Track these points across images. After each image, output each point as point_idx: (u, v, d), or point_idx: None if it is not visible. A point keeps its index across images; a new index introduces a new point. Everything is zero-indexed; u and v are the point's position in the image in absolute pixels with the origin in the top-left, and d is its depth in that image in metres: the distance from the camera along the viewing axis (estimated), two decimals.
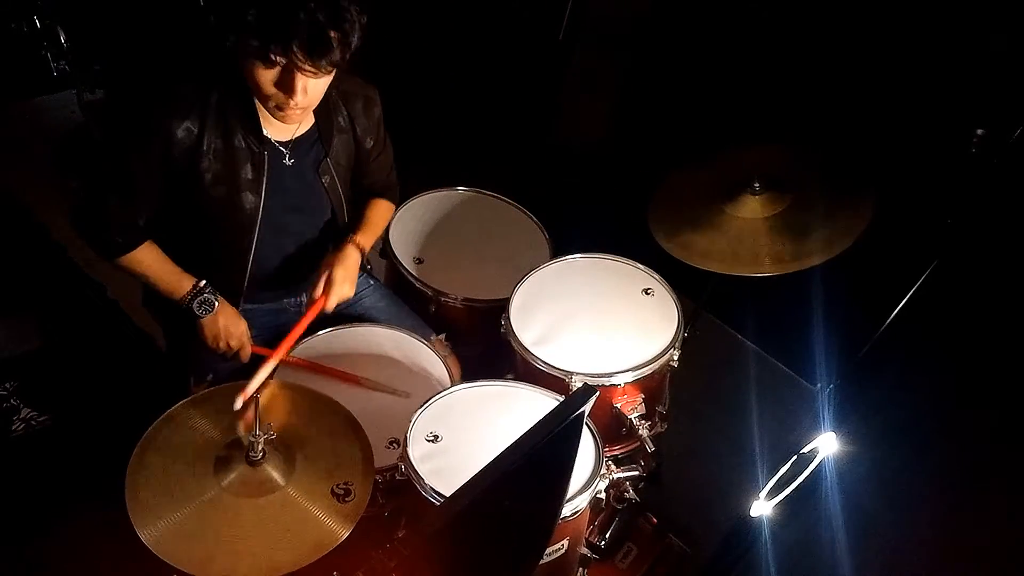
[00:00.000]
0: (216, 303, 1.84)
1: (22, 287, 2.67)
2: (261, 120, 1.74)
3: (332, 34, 1.52)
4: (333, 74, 1.63)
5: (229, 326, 1.87)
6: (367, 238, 2.00)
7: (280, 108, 1.65)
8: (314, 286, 1.89)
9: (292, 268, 1.96)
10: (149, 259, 1.83)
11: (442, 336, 2.06)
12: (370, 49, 1.89)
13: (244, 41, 1.55)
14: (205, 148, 1.70)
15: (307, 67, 1.55)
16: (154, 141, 1.68)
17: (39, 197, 3.08)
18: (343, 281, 1.87)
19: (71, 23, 3.12)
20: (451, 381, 1.91)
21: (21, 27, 3.20)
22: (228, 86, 1.70)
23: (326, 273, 1.87)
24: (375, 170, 2.04)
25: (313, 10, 1.49)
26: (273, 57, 1.53)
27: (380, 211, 2.10)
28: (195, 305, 1.83)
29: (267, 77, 1.59)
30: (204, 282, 1.84)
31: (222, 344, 1.87)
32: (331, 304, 1.87)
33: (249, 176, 1.77)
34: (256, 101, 1.71)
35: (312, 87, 1.61)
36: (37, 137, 3.37)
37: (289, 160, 1.81)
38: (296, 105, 1.62)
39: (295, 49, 1.51)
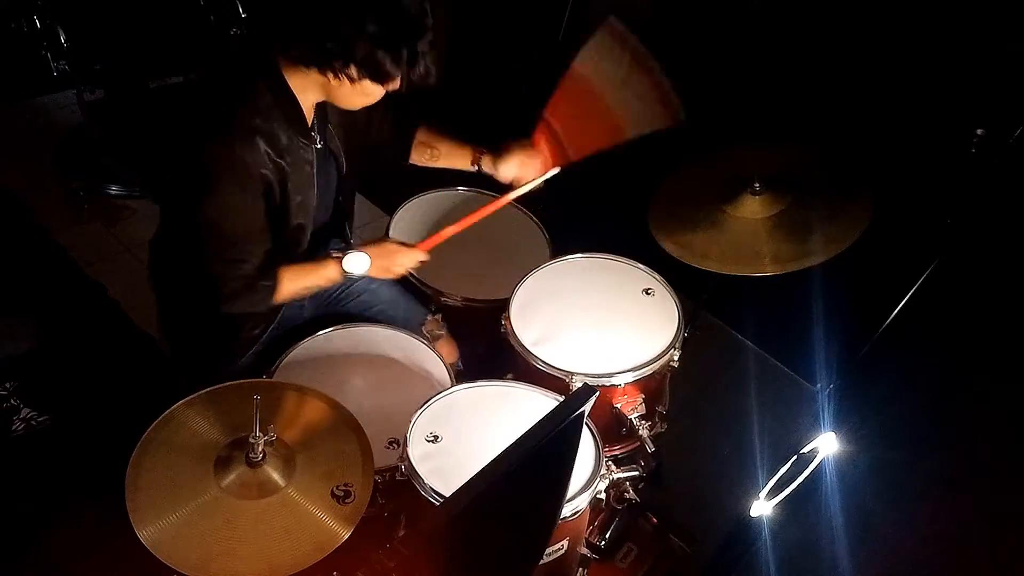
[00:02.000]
0: (362, 253, 1.82)
1: (22, 287, 2.67)
2: (304, 117, 1.75)
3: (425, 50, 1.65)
4: None
5: (387, 257, 1.87)
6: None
7: (369, 104, 1.70)
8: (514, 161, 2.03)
9: (303, 258, 1.97)
10: (293, 279, 1.81)
11: (438, 316, 2.05)
12: None
13: (362, 64, 1.59)
14: (283, 166, 1.70)
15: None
16: (256, 185, 1.67)
17: (39, 197, 3.08)
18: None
19: (71, 23, 3.12)
20: (444, 364, 1.92)
21: (21, 27, 3.20)
22: (271, 94, 1.67)
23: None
24: (381, 124, 2.06)
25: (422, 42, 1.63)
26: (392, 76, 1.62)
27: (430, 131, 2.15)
28: (350, 269, 1.82)
29: (376, 90, 1.66)
30: (333, 252, 1.84)
31: (402, 271, 1.90)
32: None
33: (308, 173, 1.79)
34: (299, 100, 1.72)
35: None
36: (37, 137, 3.37)
37: (320, 142, 1.83)
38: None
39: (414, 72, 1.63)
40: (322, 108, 1.83)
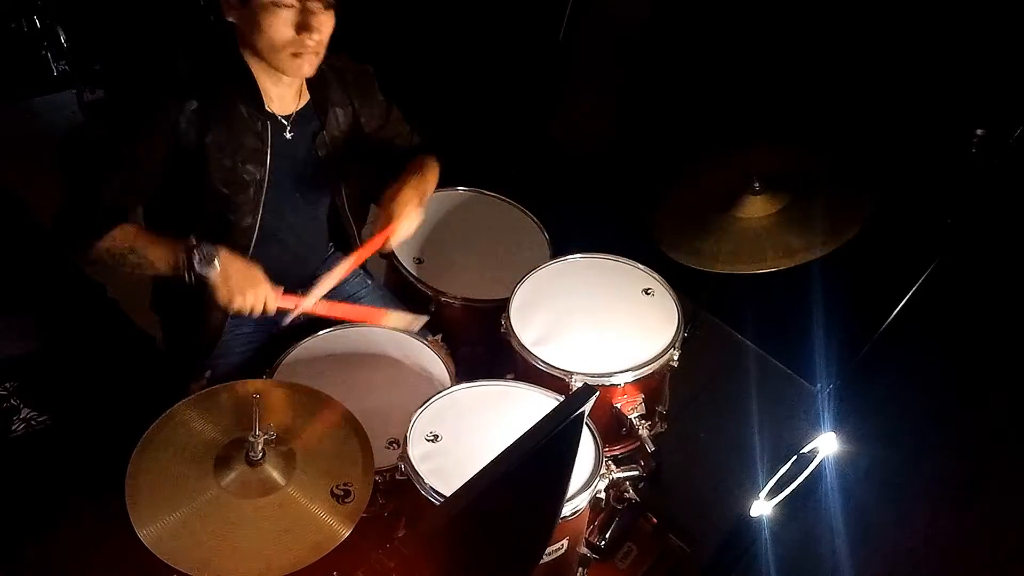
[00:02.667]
0: (216, 253, 1.67)
1: (22, 287, 2.67)
2: (262, 94, 1.76)
3: None
4: (333, 14, 1.69)
5: (241, 278, 1.70)
6: (424, 181, 1.93)
7: (298, 54, 1.68)
8: (376, 219, 1.85)
9: (290, 264, 1.96)
10: (133, 234, 1.72)
11: (438, 337, 2.06)
12: (371, 49, 1.89)
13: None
14: (211, 122, 1.71)
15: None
16: (162, 125, 1.68)
17: (39, 197, 3.07)
18: (409, 212, 1.83)
19: (71, 23, 3.12)
20: (449, 378, 1.92)
21: (21, 27, 3.20)
22: (226, 64, 1.73)
23: (389, 204, 1.83)
24: (393, 136, 2.05)
25: None
26: None
27: (427, 162, 2.01)
28: (196, 264, 1.65)
29: (282, 22, 1.64)
30: (194, 238, 1.68)
31: (245, 301, 1.69)
32: (396, 240, 1.83)
33: (253, 146, 1.77)
34: (255, 74, 1.74)
35: (323, 25, 1.67)
36: (37, 137, 3.36)
37: (289, 133, 1.82)
38: (314, 44, 1.67)
39: None
40: (320, 107, 1.85)
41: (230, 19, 1.68)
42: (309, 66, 1.72)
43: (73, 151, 3.29)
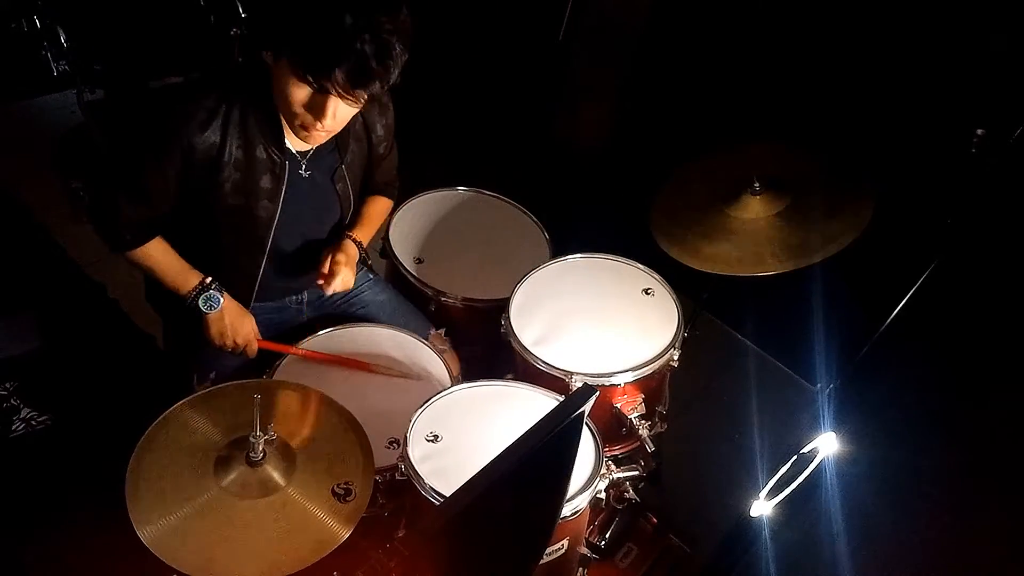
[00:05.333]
0: (222, 299, 1.84)
1: (22, 287, 2.67)
2: (284, 131, 1.74)
3: (375, 67, 1.52)
4: (363, 103, 1.63)
5: (235, 323, 1.87)
6: (364, 233, 2.01)
7: (305, 129, 1.65)
8: (318, 274, 1.90)
9: (299, 270, 1.96)
10: (158, 254, 1.83)
11: (441, 331, 2.06)
12: None
13: (282, 58, 1.56)
14: (226, 159, 1.69)
15: (345, 96, 1.55)
16: (174, 152, 1.67)
17: (39, 197, 3.08)
18: (345, 267, 1.88)
19: (71, 23, 3.12)
20: (449, 377, 1.92)
21: (21, 27, 3.20)
22: (250, 96, 1.69)
23: (328, 259, 1.89)
24: (382, 171, 2.05)
25: (362, 41, 1.49)
26: (312, 81, 1.54)
27: (378, 207, 2.10)
28: (200, 301, 1.83)
29: (299, 96, 1.59)
30: (210, 279, 1.84)
31: (228, 342, 1.88)
32: (330, 289, 1.88)
33: (268, 186, 1.76)
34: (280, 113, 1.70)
35: (341, 112, 1.62)
36: (37, 137, 3.37)
37: (305, 171, 1.81)
38: (322, 128, 1.64)
39: (336, 77, 1.51)
40: (342, 143, 1.84)
41: (265, 60, 1.61)
42: (316, 141, 1.72)
43: (73, 151, 3.29)
